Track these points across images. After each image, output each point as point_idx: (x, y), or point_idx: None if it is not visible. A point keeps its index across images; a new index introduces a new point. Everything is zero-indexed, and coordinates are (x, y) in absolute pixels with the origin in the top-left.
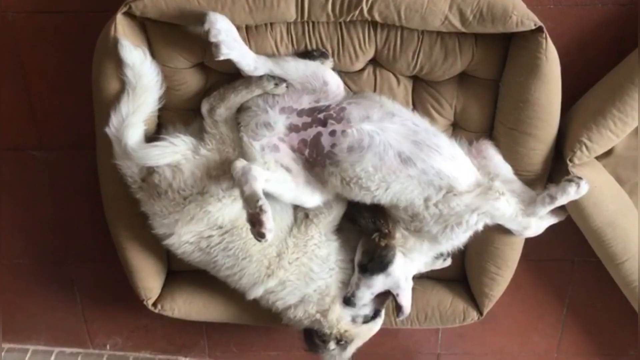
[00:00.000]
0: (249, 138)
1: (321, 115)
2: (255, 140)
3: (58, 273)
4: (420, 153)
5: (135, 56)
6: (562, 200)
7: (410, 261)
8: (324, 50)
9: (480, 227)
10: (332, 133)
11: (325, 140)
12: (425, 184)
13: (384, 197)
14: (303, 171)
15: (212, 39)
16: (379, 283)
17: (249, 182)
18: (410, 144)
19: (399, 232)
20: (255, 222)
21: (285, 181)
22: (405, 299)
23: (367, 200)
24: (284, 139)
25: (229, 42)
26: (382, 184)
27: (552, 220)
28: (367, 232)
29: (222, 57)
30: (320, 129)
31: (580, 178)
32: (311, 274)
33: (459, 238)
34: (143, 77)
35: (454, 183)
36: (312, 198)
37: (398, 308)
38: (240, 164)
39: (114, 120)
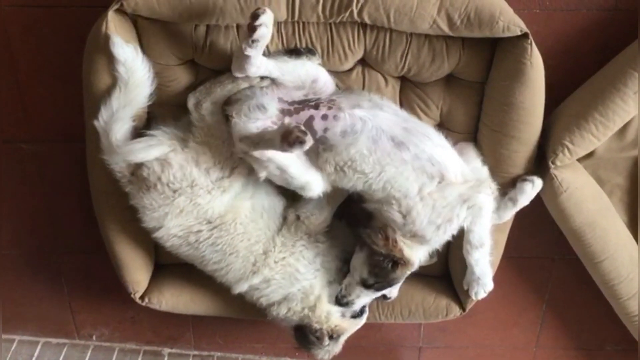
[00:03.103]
0: (243, 123)
1: (312, 103)
2: (249, 123)
3: (46, 264)
4: (412, 138)
5: (127, 52)
6: (523, 201)
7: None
8: (311, 47)
9: (466, 223)
10: (324, 117)
11: (318, 124)
12: (418, 169)
13: (377, 182)
14: (301, 154)
15: (256, 36)
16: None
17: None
18: (402, 130)
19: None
20: (292, 130)
21: (291, 156)
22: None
23: (360, 185)
24: (277, 123)
25: (265, 41)
26: (376, 167)
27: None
28: (374, 253)
29: (255, 52)
30: (312, 111)
31: (532, 176)
32: (297, 274)
33: (449, 235)
34: (135, 73)
35: (444, 171)
36: (317, 179)
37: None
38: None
39: (104, 113)
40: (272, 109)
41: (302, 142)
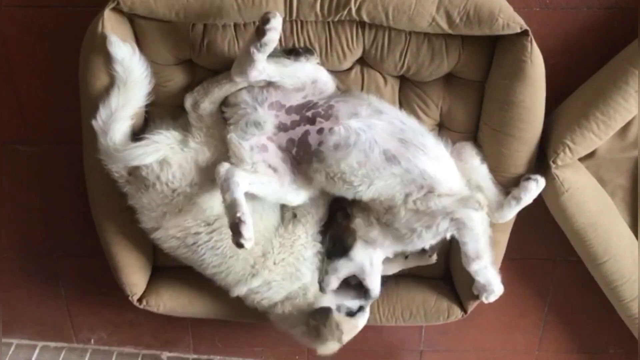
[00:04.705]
0: (238, 138)
1: (309, 113)
2: (244, 140)
3: (43, 267)
4: (405, 152)
5: (125, 51)
6: (527, 199)
7: (373, 249)
8: (309, 47)
9: (448, 235)
10: (320, 131)
11: (313, 139)
12: (407, 182)
13: (366, 193)
14: (289, 170)
15: (265, 39)
16: (343, 267)
17: (230, 189)
18: (397, 141)
19: (360, 217)
20: (235, 232)
21: (270, 182)
22: (372, 282)
23: (350, 195)
24: (272, 138)
25: (273, 45)
26: (365, 180)
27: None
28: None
29: (262, 57)
30: (308, 127)
31: (535, 174)
32: (298, 274)
33: (423, 242)
34: (133, 72)
35: (436, 184)
36: (297, 197)
37: (365, 291)
38: (223, 168)
39: (102, 113)
40: (269, 125)
41: (240, 246)
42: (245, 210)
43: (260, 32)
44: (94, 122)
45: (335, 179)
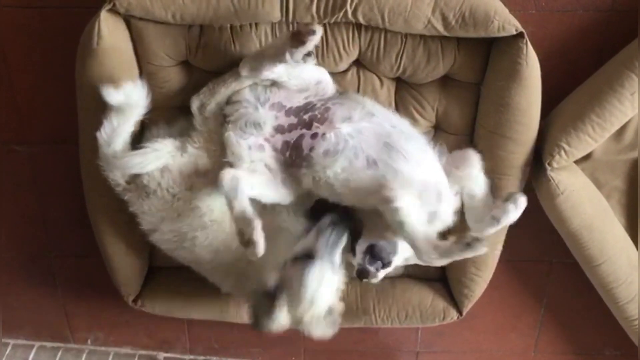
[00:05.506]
0: (237, 137)
1: (307, 117)
2: (242, 139)
3: (40, 267)
4: (385, 157)
5: (121, 97)
6: (505, 221)
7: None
8: None
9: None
10: (314, 136)
11: (306, 143)
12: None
13: (347, 198)
14: (280, 170)
15: (303, 49)
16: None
17: (238, 197)
18: (382, 146)
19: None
20: (248, 242)
21: (267, 182)
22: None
23: (333, 198)
24: (269, 140)
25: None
26: (344, 183)
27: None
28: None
29: (291, 61)
30: (303, 131)
31: (516, 193)
32: None
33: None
34: (132, 105)
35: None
36: (287, 196)
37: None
38: (228, 175)
39: (107, 127)
40: (268, 126)
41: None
42: (257, 224)
43: (300, 41)
44: (98, 134)
45: (320, 182)
